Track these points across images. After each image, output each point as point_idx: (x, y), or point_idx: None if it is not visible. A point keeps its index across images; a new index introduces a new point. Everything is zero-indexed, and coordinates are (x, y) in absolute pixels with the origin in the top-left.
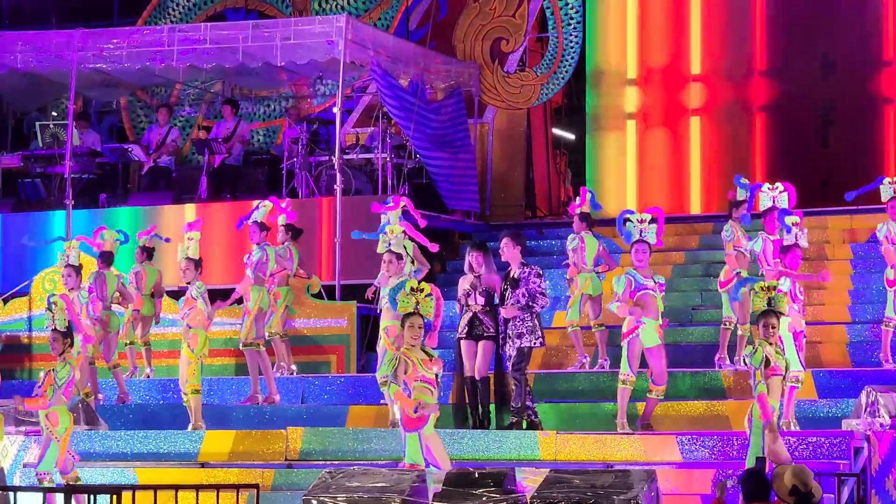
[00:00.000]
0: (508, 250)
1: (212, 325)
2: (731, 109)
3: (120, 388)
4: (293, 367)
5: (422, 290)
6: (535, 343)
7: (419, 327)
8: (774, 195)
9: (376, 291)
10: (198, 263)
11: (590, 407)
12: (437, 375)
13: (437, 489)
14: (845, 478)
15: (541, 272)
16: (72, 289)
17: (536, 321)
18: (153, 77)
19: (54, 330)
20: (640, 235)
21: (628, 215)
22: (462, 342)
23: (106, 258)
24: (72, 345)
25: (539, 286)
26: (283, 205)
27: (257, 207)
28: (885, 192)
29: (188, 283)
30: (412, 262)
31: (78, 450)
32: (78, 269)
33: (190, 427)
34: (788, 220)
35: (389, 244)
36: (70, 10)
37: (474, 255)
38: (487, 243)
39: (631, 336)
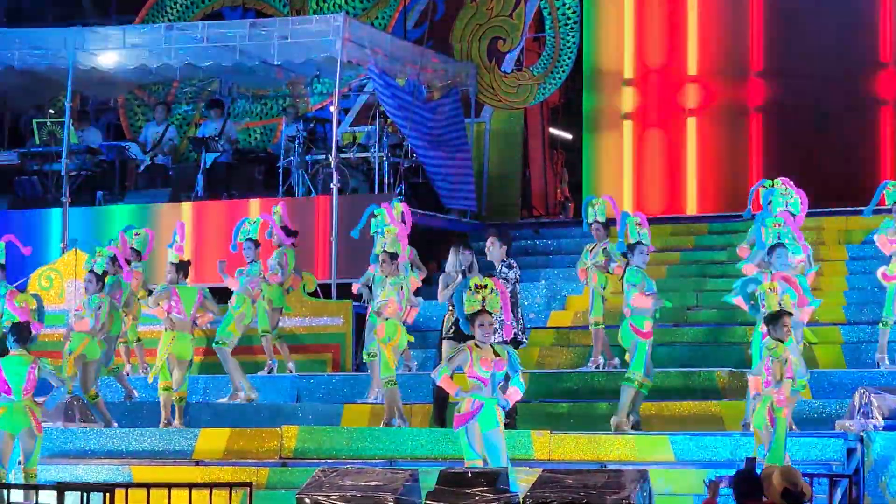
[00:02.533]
0: (494, 249)
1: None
2: (727, 110)
3: (125, 387)
4: (290, 365)
5: (486, 286)
6: (498, 339)
7: (489, 325)
8: (788, 199)
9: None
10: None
11: (583, 406)
12: (493, 375)
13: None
14: (838, 479)
15: (512, 264)
16: (92, 295)
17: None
18: (150, 75)
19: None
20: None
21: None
22: (445, 342)
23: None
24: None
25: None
26: (279, 208)
27: (244, 223)
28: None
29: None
30: (410, 265)
31: (73, 447)
32: (101, 277)
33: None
34: (769, 221)
35: (385, 245)
36: (68, 8)
37: (466, 255)
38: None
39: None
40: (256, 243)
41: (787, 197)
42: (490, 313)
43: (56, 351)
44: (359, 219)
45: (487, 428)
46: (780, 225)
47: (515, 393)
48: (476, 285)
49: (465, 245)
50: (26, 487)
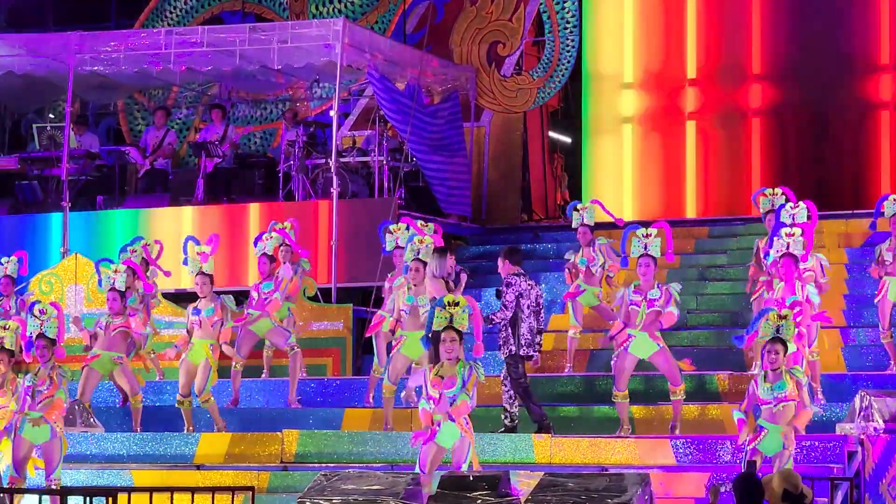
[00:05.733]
0: (501, 266)
1: None
2: (727, 114)
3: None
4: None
5: (457, 304)
6: (504, 353)
7: (451, 341)
8: (794, 213)
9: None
10: (212, 279)
11: (584, 410)
12: (441, 394)
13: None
14: (839, 482)
15: (511, 282)
16: (117, 314)
17: (509, 331)
18: (150, 80)
19: (44, 336)
20: (646, 250)
21: (634, 230)
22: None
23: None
24: (53, 353)
25: (505, 297)
26: (289, 226)
27: (261, 237)
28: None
29: (204, 296)
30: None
31: (74, 452)
32: (123, 294)
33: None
34: (782, 231)
35: (418, 252)
36: (68, 13)
37: (446, 261)
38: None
39: (618, 350)
40: (272, 258)
41: (793, 211)
42: (455, 330)
43: (68, 356)
44: (359, 223)
45: (450, 444)
46: (791, 235)
47: (462, 407)
48: (448, 302)
49: (449, 252)
50: (28, 492)
